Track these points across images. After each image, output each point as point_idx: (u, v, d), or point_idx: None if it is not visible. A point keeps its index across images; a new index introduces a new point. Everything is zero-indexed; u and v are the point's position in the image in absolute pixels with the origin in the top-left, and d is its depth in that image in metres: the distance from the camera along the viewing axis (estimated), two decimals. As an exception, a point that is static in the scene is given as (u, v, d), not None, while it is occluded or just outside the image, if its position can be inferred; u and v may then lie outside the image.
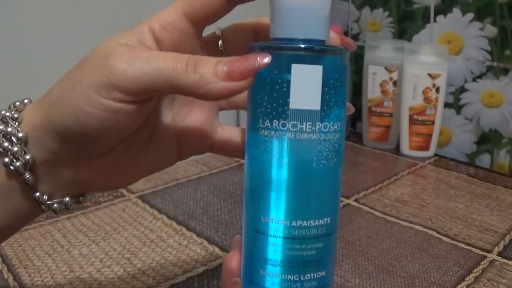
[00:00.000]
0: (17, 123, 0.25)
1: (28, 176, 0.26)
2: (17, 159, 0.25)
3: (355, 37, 0.80)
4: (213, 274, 0.42)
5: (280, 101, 0.24)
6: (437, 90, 0.67)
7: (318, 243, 0.25)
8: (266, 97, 0.24)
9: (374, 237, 0.49)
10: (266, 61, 0.23)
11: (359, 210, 0.54)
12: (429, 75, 0.67)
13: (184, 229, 0.50)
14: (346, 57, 0.26)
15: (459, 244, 0.47)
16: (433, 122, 0.69)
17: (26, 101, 0.27)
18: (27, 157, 0.25)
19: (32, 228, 0.49)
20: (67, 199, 0.28)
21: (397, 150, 0.74)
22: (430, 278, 0.42)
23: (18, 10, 0.51)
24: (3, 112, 0.26)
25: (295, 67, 0.23)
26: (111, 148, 0.27)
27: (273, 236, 0.25)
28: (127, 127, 0.25)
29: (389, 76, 0.71)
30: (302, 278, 0.25)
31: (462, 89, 0.69)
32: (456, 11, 0.67)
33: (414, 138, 0.70)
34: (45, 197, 0.27)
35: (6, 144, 0.25)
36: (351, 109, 0.29)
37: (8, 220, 0.27)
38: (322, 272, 0.25)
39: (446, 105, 0.70)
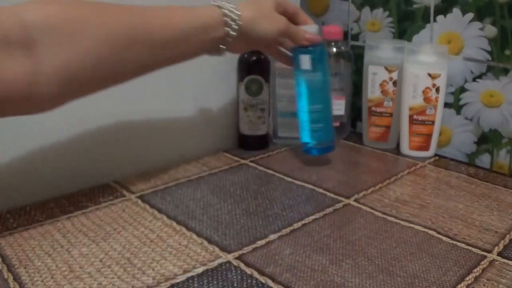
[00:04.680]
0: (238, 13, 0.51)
1: (231, 40, 0.51)
2: (234, 30, 0.50)
3: (355, 37, 0.80)
4: (213, 274, 0.42)
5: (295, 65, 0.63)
6: (437, 90, 0.67)
7: (318, 115, 0.64)
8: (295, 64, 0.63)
9: (374, 237, 0.49)
10: (319, 40, 0.60)
11: (359, 210, 0.54)
12: (429, 75, 0.67)
13: (184, 229, 0.50)
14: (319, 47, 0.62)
15: (459, 244, 0.47)
16: (433, 122, 0.69)
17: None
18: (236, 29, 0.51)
19: (32, 228, 0.49)
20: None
21: (397, 150, 0.74)
22: (430, 278, 0.42)
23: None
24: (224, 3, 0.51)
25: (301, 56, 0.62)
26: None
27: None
28: None
29: (389, 76, 0.71)
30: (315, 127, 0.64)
31: (462, 89, 0.69)
32: (456, 11, 0.67)
33: (414, 138, 0.70)
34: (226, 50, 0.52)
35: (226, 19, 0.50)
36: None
37: (194, 52, 0.49)
38: (320, 125, 0.64)
39: (446, 105, 0.70)
